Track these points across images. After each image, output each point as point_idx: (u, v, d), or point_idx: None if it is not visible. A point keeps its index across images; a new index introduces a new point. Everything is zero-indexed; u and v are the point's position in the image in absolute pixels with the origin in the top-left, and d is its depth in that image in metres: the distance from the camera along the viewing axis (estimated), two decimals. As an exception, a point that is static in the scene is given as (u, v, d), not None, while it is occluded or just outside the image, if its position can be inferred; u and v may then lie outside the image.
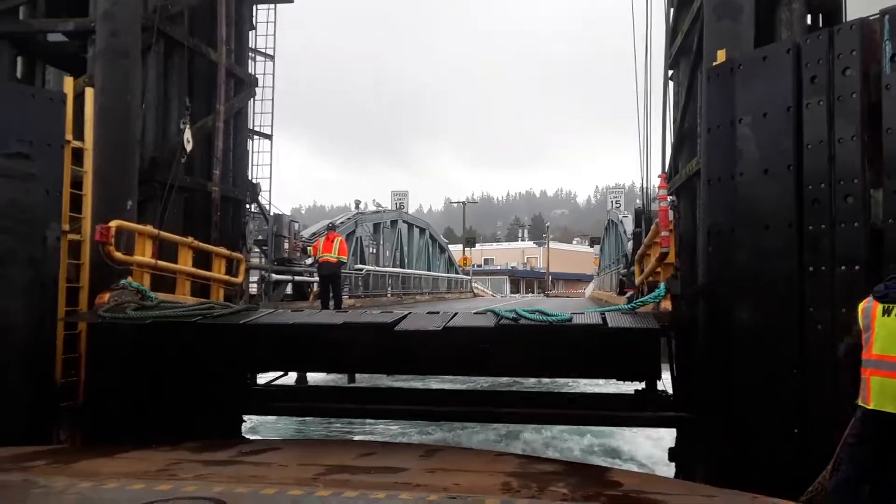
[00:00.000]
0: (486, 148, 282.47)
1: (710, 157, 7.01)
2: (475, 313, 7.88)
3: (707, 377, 6.85)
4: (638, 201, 14.18)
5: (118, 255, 7.95)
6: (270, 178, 14.35)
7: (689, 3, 9.02)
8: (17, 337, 7.21)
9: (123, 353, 8.05)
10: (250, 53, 13.36)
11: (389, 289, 26.11)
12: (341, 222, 23.50)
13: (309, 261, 16.87)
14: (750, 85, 6.45)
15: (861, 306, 4.65)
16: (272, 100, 14.09)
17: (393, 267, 29.00)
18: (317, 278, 14.96)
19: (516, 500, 5.13)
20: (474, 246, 60.30)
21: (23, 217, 7.32)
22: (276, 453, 7.16)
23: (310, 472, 6.09)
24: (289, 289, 17.20)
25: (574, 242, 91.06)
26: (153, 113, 9.94)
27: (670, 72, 10.15)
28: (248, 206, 13.33)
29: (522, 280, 77.53)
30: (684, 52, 9.38)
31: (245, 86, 12.60)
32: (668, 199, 8.09)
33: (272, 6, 13.93)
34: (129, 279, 8.15)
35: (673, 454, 8.24)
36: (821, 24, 7.67)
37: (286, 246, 16.76)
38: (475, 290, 45.70)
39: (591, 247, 54.34)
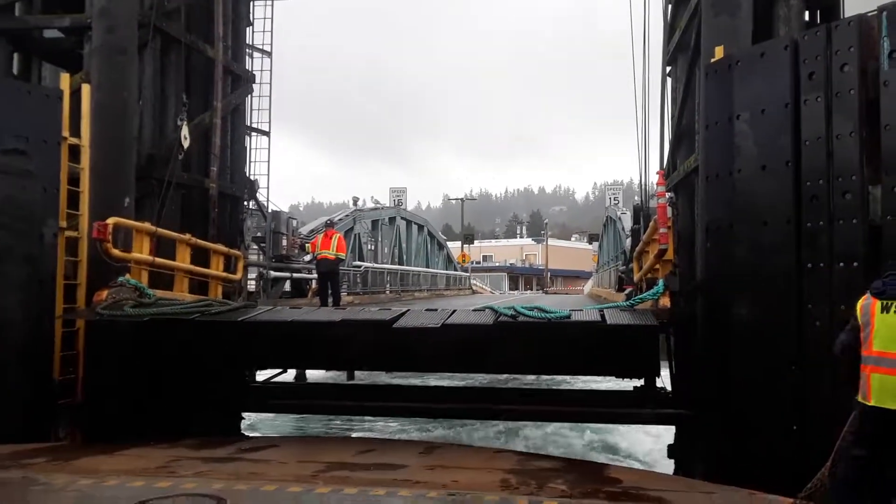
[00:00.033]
0: (486, 147, 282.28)
1: (709, 153, 7.01)
2: (474, 310, 7.88)
3: (705, 374, 6.86)
4: (636, 198, 14.18)
5: (116, 252, 7.94)
6: (268, 174, 14.32)
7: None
8: (15, 334, 7.20)
9: (121, 351, 8.04)
10: (247, 50, 13.33)
11: (388, 286, 26.11)
12: (339, 219, 23.46)
13: (307, 258, 16.84)
14: (748, 81, 6.44)
15: (859, 303, 4.66)
16: (269, 96, 14.05)
17: (391, 264, 28.98)
18: (315, 275, 14.94)
19: (515, 497, 5.14)
20: (473, 243, 60.34)
21: (19, 214, 7.31)
22: (275, 450, 7.17)
23: (309, 468, 6.10)
24: (287, 286, 17.16)
25: (573, 239, 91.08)
26: (150, 109, 9.92)
27: (668, 68, 10.13)
28: (245, 202, 13.31)
29: (521, 277, 77.55)
30: (682, 48, 9.37)
31: (242, 82, 12.57)
32: (667, 196, 8.09)
33: (269, 3, 13.89)
34: (127, 276, 8.14)
35: (672, 451, 8.25)
36: (819, 21, 7.67)
37: (284, 243, 16.73)
38: (474, 287, 45.69)
39: (590, 244, 54.30)
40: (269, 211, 16.17)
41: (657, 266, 8.49)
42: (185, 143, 9.98)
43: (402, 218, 32.50)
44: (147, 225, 8.73)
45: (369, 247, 26.64)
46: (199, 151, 11.04)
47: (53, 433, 7.69)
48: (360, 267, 22.98)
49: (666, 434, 9.07)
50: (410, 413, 10.05)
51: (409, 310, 8.05)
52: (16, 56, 10.43)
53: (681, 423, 7.90)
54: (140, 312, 7.56)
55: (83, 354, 7.95)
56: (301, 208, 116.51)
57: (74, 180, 8.03)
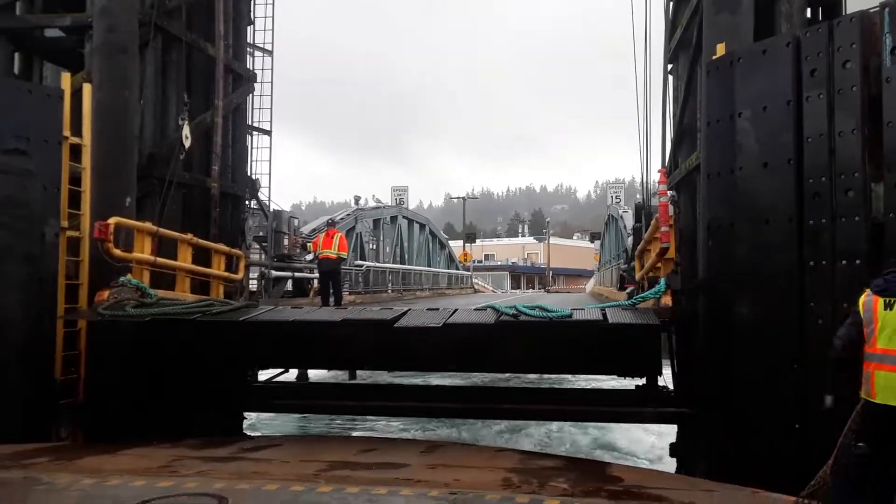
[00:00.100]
0: (486, 147, 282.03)
1: (710, 151, 6.99)
2: (475, 310, 7.87)
3: (707, 372, 6.85)
4: (638, 196, 14.16)
5: (117, 252, 7.95)
6: (270, 174, 14.36)
7: (688, -3, 8.98)
8: (15, 333, 7.21)
9: (123, 351, 8.04)
10: (248, 49, 13.32)
11: (390, 285, 26.09)
12: (341, 218, 23.45)
13: (309, 257, 16.82)
14: (750, 78, 6.42)
15: (861, 300, 4.64)
16: (271, 95, 14.06)
17: (393, 263, 28.96)
18: (317, 275, 14.93)
19: (517, 496, 5.13)
20: (474, 242, 60.23)
21: (20, 213, 7.32)
22: (277, 450, 7.17)
23: (311, 468, 6.09)
24: (289, 285, 17.17)
25: (574, 238, 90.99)
26: (151, 109, 9.93)
27: (670, 66, 10.11)
28: (247, 202, 13.31)
29: (523, 276, 77.50)
30: (684, 45, 9.35)
31: (243, 81, 12.57)
32: (668, 194, 8.08)
33: (270, 1, 13.89)
34: (129, 276, 8.15)
35: (674, 449, 8.25)
36: (820, 17, 7.65)
37: (286, 242, 16.72)
38: (476, 286, 45.66)
39: (592, 242, 54.26)
40: (271, 210, 16.17)
41: (659, 264, 8.48)
42: (187, 143, 9.98)
43: (403, 217, 32.47)
44: (148, 225, 8.73)
45: (371, 246, 26.62)
46: (201, 151, 11.04)
47: (55, 433, 7.69)
48: (361, 266, 22.97)
49: (671, 431, 9.05)
50: (412, 412, 10.06)
51: (410, 309, 8.04)
52: (17, 55, 10.46)
53: (683, 422, 7.89)
54: (141, 312, 7.57)
55: (85, 354, 7.96)
56: (303, 207, 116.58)
57: (76, 180, 8.04)
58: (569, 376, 13.96)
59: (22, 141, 7.39)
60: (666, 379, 8.00)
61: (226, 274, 10.73)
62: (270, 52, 13.99)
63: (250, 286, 13.62)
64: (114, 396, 7.87)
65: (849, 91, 5.69)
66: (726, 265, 6.60)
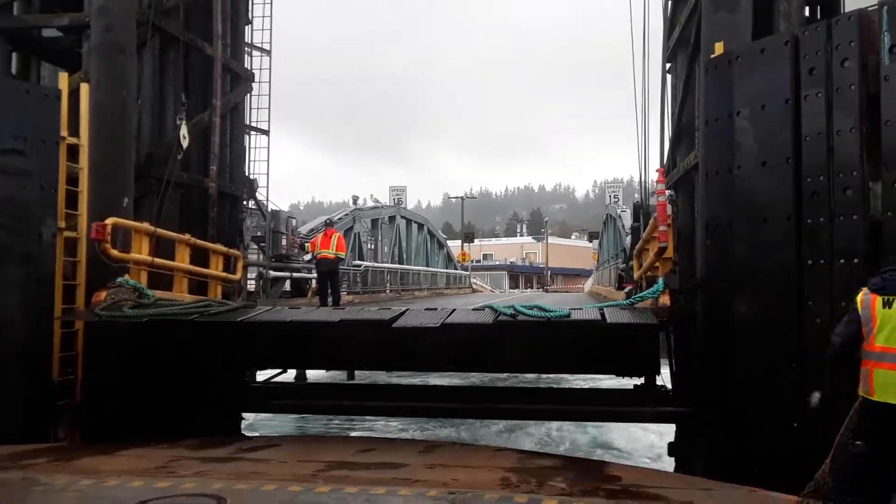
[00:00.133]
0: (486, 147, 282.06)
1: (708, 150, 6.99)
2: (473, 309, 7.86)
3: (706, 372, 6.84)
4: (636, 195, 14.16)
5: (115, 252, 7.93)
6: (268, 173, 14.28)
7: (686, -5, 8.97)
8: (13, 334, 7.20)
9: (121, 352, 8.03)
10: (246, 48, 13.30)
11: (388, 285, 26.09)
12: (339, 218, 23.45)
13: (307, 257, 16.82)
14: (748, 77, 6.42)
15: (858, 299, 4.64)
16: (269, 95, 14.02)
17: (391, 263, 28.96)
18: (315, 275, 14.92)
19: (515, 496, 5.12)
20: (473, 241, 60.21)
21: (17, 213, 7.31)
22: (275, 450, 7.16)
23: (309, 468, 6.08)
24: (287, 285, 17.16)
25: (573, 237, 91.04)
26: (149, 108, 9.90)
27: (668, 65, 10.11)
28: (245, 202, 13.28)
29: (521, 275, 77.52)
30: (682, 44, 9.34)
31: (241, 81, 12.55)
32: (667, 194, 8.08)
33: (268, 1, 13.85)
34: (126, 277, 8.13)
35: (672, 449, 8.25)
36: (819, 16, 7.64)
37: (284, 242, 16.71)
38: (474, 286, 45.67)
39: (590, 242, 54.24)
40: (269, 210, 16.15)
41: (657, 264, 8.49)
42: (184, 143, 9.96)
43: (401, 217, 32.47)
44: (146, 225, 8.71)
45: (369, 246, 26.61)
46: (199, 151, 11.02)
47: (53, 434, 7.68)
48: (359, 266, 22.96)
49: (670, 430, 9.05)
50: (411, 412, 10.05)
51: (408, 309, 8.03)
52: (14, 55, 10.43)
53: (681, 421, 7.90)
54: (139, 313, 7.55)
55: (82, 355, 7.94)
56: (301, 207, 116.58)
57: (73, 180, 8.02)
58: (567, 376, 13.98)
59: (19, 141, 7.37)
60: (664, 378, 8.01)
61: (224, 274, 10.72)
62: (268, 52, 13.96)
63: (248, 286, 13.61)
64: (111, 397, 7.86)
65: (847, 90, 5.69)
66: (724, 264, 6.60)
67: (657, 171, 9.01)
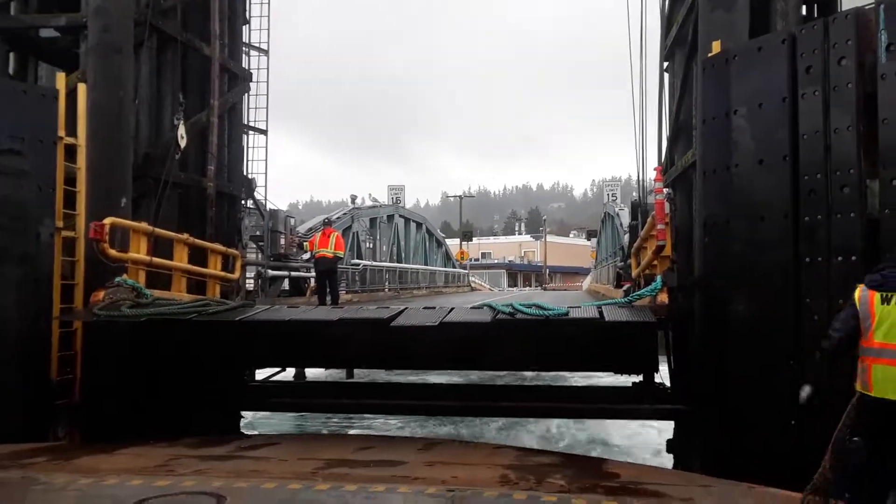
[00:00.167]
0: (486, 147, 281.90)
1: (706, 148, 7.00)
2: (472, 308, 7.88)
3: (703, 369, 6.86)
4: (634, 194, 14.17)
5: (113, 252, 7.93)
6: (266, 173, 14.29)
7: (684, -6, 8.98)
8: (11, 334, 7.21)
9: (119, 351, 8.03)
10: (244, 48, 13.29)
11: (387, 284, 26.07)
12: (337, 217, 23.41)
13: (305, 256, 16.82)
14: (745, 76, 6.43)
15: (856, 295, 4.65)
16: (267, 95, 14.01)
17: (390, 262, 28.94)
18: (313, 274, 14.92)
19: (514, 493, 5.14)
20: (471, 240, 60.26)
21: (15, 213, 7.31)
22: (274, 448, 7.17)
23: (309, 466, 6.10)
24: (285, 284, 17.17)
25: (571, 236, 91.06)
26: (146, 109, 9.90)
27: (666, 64, 10.12)
28: (243, 201, 13.28)
29: (520, 274, 77.52)
30: (679, 43, 9.35)
31: (239, 80, 12.54)
32: (665, 192, 8.09)
33: (265, 1, 13.85)
34: (125, 276, 8.13)
35: (671, 446, 8.26)
36: (816, 15, 7.67)
37: (282, 241, 16.71)
38: (472, 284, 45.68)
39: (588, 240, 54.25)
40: (267, 210, 16.15)
41: (655, 262, 8.49)
42: (182, 142, 9.96)
43: (400, 216, 32.44)
44: (144, 225, 8.71)
45: (367, 245, 26.60)
46: (196, 150, 11.01)
47: (52, 433, 7.68)
48: (358, 265, 22.95)
49: (668, 427, 9.06)
50: (410, 410, 10.06)
51: (406, 308, 8.04)
52: (12, 55, 10.41)
53: (679, 419, 7.91)
54: (137, 313, 7.55)
55: (81, 355, 7.94)
56: (300, 207, 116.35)
57: (71, 180, 8.01)
58: (566, 374, 13.99)
59: (17, 141, 7.37)
60: (662, 376, 8.03)
61: (222, 274, 10.71)
62: (266, 52, 13.95)
63: (247, 286, 13.61)
64: (110, 396, 7.86)
65: (844, 88, 5.70)
66: (722, 262, 6.61)
67: (655, 169, 9.02)
